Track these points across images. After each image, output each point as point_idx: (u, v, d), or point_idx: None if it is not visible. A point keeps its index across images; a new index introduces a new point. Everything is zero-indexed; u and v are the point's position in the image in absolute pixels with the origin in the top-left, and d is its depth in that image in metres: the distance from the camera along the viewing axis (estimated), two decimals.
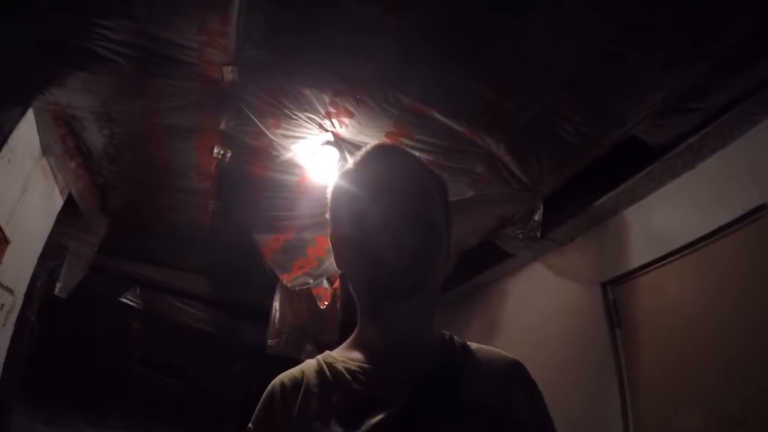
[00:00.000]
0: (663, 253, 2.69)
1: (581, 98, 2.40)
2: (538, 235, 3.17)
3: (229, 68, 2.48)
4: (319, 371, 1.00)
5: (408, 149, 1.13)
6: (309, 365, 1.04)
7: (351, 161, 1.10)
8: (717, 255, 2.43)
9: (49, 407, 5.84)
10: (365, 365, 0.98)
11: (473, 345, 1.06)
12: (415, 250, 0.94)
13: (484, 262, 4.08)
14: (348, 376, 0.97)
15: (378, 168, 1.04)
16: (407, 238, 0.93)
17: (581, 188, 2.99)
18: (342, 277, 4.53)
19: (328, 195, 1.12)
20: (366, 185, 1.02)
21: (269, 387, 1.02)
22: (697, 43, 2.03)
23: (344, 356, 1.03)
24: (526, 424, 0.94)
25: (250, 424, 0.99)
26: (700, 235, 2.48)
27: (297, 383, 0.99)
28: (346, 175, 1.08)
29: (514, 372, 1.03)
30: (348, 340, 1.09)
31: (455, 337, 1.07)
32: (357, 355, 1.02)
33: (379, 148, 1.09)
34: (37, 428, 5.29)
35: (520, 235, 3.27)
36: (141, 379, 6.79)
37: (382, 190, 0.99)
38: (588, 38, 2.13)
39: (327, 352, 1.07)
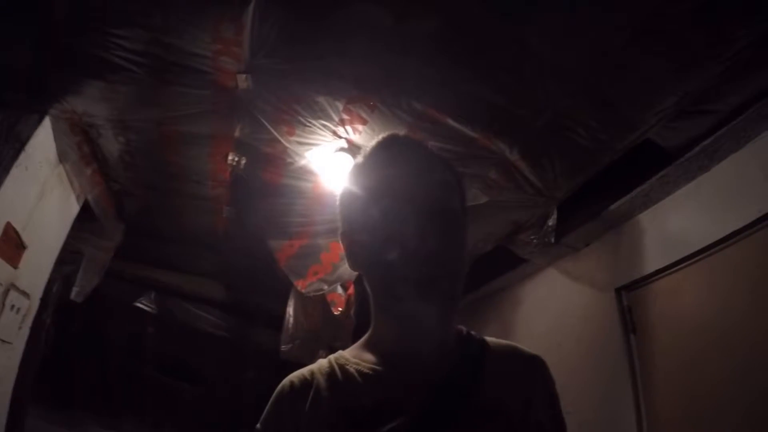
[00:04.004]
0: (678, 257, 2.66)
1: (594, 103, 2.39)
2: (552, 240, 3.14)
3: (243, 76, 2.49)
4: (330, 373, 0.98)
5: (416, 138, 1.10)
6: (320, 366, 1.01)
7: (361, 155, 1.08)
8: (733, 259, 2.40)
9: (63, 410, 5.91)
10: (378, 367, 0.96)
11: (492, 341, 1.03)
12: (439, 242, 0.91)
13: (498, 268, 4.06)
14: (359, 378, 0.95)
15: (388, 160, 1.02)
16: (429, 229, 0.91)
17: (595, 193, 2.97)
18: (356, 282, 4.54)
19: (339, 193, 1.10)
20: (378, 179, 1.00)
21: (278, 387, 1.01)
22: (710, 46, 2.02)
23: (357, 357, 1.00)
24: (543, 427, 0.93)
25: (258, 425, 0.98)
26: (715, 239, 2.45)
27: (307, 384, 0.97)
28: (356, 171, 1.06)
29: (535, 370, 1.01)
30: (361, 340, 1.06)
31: (473, 333, 1.03)
32: (370, 356, 0.99)
33: (385, 141, 1.07)
34: (51, 430, 5.35)
35: (534, 241, 3.26)
36: (155, 382, 6.84)
37: (396, 183, 0.97)
38: (600, 43, 2.12)
39: (339, 353, 1.04)
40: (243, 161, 3.33)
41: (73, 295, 4.68)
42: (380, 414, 0.87)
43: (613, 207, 2.97)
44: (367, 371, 0.96)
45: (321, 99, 2.62)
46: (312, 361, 1.05)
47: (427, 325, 0.95)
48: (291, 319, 4.99)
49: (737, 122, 2.28)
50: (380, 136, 1.08)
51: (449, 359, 0.95)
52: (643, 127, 2.42)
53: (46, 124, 2.90)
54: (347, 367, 0.98)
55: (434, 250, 0.91)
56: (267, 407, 1.00)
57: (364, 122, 2.70)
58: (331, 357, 1.03)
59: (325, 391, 0.95)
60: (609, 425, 2.89)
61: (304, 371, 1.01)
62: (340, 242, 1.08)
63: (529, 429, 0.90)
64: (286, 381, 1.01)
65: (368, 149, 1.07)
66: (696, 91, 2.22)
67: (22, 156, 2.74)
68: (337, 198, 1.11)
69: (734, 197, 2.39)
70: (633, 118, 2.40)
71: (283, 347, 4.95)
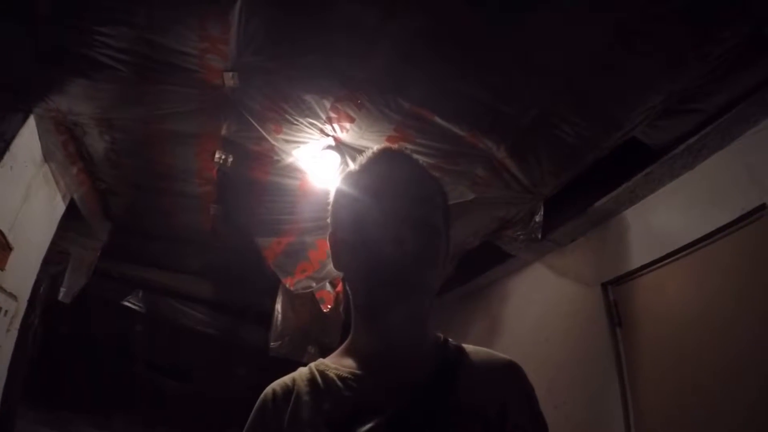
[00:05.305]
0: (663, 253, 2.68)
1: (581, 101, 2.41)
2: (539, 236, 3.17)
3: (230, 74, 2.48)
4: (311, 379, 1.00)
5: (411, 153, 1.14)
6: (301, 373, 1.04)
7: (354, 164, 1.11)
8: (717, 255, 2.43)
9: (53, 410, 5.88)
10: (357, 372, 0.98)
11: (469, 347, 1.06)
12: (415, 251, 0.94)
13: (485, 263, 4.08)
14: (339, 383, 0.97)
15: (380, 171, 1.06)
16: (408, 238, 0.94)
17: (581, 189, 2.99)
18: (343, 279, 4.52)
19: (330, 197, 1.14)
20: (368, 187, 1.03)
21: (261, 396, 1.03)
22: (696, 46, 2.04)
23: (337, 363, 1.03)
24: (521, 430, 0.94)
25: None
26: (699, 235, 2.48)
27: (288, 391, 1.00)
28: (349, 177, 1.10)
29: (510, 375, 1.02)
30: (341, 347, 1.09)
31: (450, 340, 1.06)
32: (349, 361, 1.02)
33: (382, 153, 1.10)
34: (41, 431, 5.32)
35: (521, 237, 3.28)
36: (144, 381, 6.83)
37: (384, 193, 1.00)
38: (587, 42, 2.14)
39: (320, 360, 1.07)
40: (230, 159, 3.33)
41: (60, 296, 4.67)
42: (359, 417, 0.89)
43: (598, 204, 2.99)
44: (347, 376, 0.98)
45: (308, 97, 2.62)
46: (302, 357, 1.07)
47: (403, 329, 0.99)
48: (279, 317, 4.99)
49: (722, 121, 2.29)
50: (374, 148, 1.11)
51: (427, 363, 0.98)
52: (628, 125, 2.43)
53: (31, 123, 2.88)
54: (327, 372, 1.00)
55: (411, 258, 0.94)
56: (251, 415, 1.02)
57: (352, 120, 2.70)
58: (312, 364, 1.06)
59: (306, 396, 0.97)
60: (596, 417, 2.91)
61: (286, 379, 1.04)
62: (328, 242, 1.11)
63: None
64: (268, 389, 1.03)
65: (361, 159, 1.10)
66: (682, 90, 2.24)
67: (7, 156, 2.72)
68: (329, 200, 1.14)
69: (718, 195, 2.42)
70: (619, 116, 2.42)
71: (272, 344, 4.95)
